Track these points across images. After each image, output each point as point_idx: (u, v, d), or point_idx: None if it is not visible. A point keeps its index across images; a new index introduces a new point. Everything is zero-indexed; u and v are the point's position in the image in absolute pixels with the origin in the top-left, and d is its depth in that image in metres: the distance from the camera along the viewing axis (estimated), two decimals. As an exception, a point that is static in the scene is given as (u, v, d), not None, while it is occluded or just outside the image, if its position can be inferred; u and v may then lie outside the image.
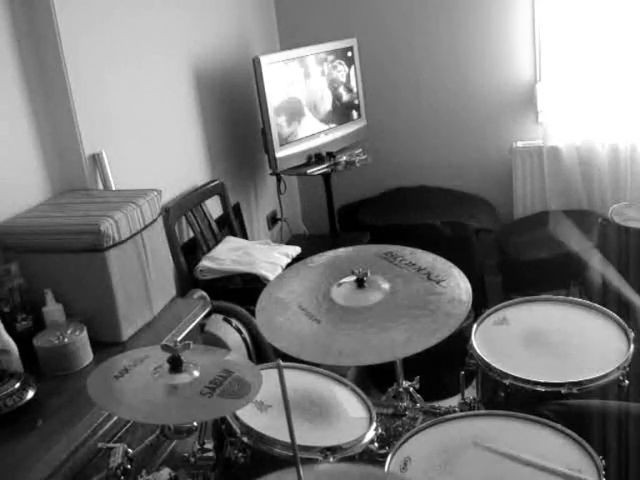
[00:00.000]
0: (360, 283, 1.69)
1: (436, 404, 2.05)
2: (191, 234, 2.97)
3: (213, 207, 3.10)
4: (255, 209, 3.63)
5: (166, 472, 1.56)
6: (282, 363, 1.13)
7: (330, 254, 1.92)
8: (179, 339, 1.98)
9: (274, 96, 3.12)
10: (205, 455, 1.58)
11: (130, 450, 1.52)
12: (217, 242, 3.00)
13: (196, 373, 1.39)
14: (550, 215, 3.53)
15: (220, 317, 2.58)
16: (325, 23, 3.77)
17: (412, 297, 1.67)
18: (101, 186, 2.40)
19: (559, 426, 1.51)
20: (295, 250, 2.98)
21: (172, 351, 1.39)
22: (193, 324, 2.17)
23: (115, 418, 1.68)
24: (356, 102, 3.58)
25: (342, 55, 3.47)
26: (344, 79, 3.51)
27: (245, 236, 3.33)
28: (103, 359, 1.53)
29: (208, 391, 1.34)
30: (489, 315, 2.02)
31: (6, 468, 1.53)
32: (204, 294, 2.60)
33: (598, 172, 3.54)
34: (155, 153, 2.76)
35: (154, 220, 2.18)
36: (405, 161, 3.89)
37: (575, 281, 3.31)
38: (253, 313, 2.14)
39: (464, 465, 1.44)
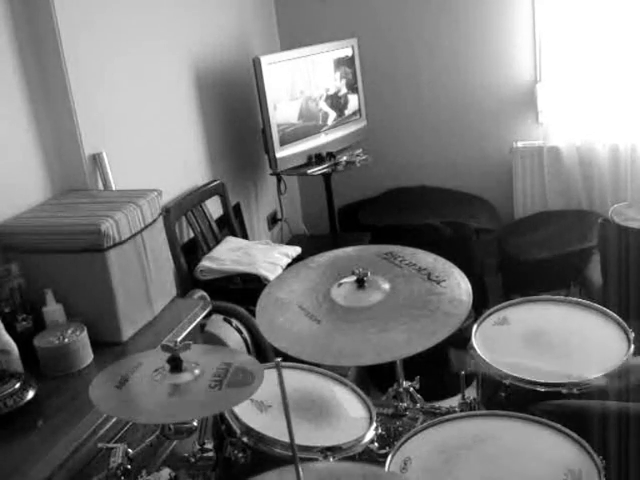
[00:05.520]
0: (360, 283, 1.69)
1: (436, 404, 2.05)
2: (191, 234, 2.97)
3: (213, 207, 3.10)
4: (255, 209, 3.63)
5: (166, 472, 1.56)
6: (282, 363, 1.13)
7: (330, 254, 1.92)
8: (179, 339, 1.98)
9: (274, 96, 3.12)
10: (205, 455, 1.58)
11: (130, 450, 1.52)
12: (217, 242, 3.00)
13: (197, 370, 1.39)
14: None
15: (220, 317, 2.58)
16: (325, 23, 3.76)
17: (412, 297, 1.67)
18: (101, 186, 2.40)
19: (559, 426, 1.51)
20: (295, 250, 2.98)
21: (172, 351, 1.38)
22: (193, 324, 2.17)
23: (115, 418, 1.68)
24: (356, 102, 3.58)
25: (342, 55, 3.47)
26: (344, 79, 3.51)
27: (245, 236, 3.33)
28: (103, 359, 1.53)
29: (216, 384, 1.35)
30: (489, 315, 2.02)
31: (6, 468, 1.53)
32: (204, 294, 2.60)
33: (598, 172, 3.54)
34: (155, 153, 2.76)
35: (154, 220, 2.18)
36: (405, 161, 3.89)
37: (575, 281, 3.31)
38: (253, 313, 2.14)
39: (464, 465, 1.44)
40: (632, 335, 1.83)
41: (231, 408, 1.58)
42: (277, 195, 3.64)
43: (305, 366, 1.81)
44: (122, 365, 1.47)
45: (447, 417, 1.60)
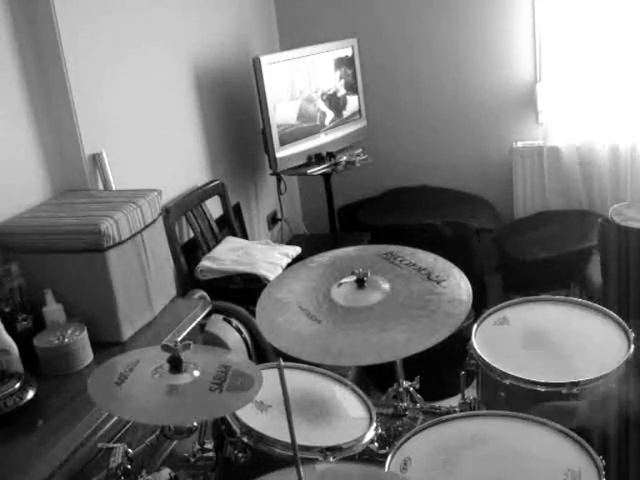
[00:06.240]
0: (360, 283, 1.69)
1: (436, 404, 2.05)
2: (191, 234, 2.97)
3: (213, 207, 3.10)
4: (255, 209, 3.63)
5: (166, 472, 1.56)
6: (283, 363, 1.13)
7: (330, 254, 1.92)
8: (179, 339, 1.98)
9: (274, 96, 3.12)
10: (205, 455, 1.59)
11: (130, 450, 1.52)
12: (217, 242, 3.00)
13: (196, 372, 1.39)
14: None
15: (220, 317, 2.58)
16: (325, 23, 3.77)
17: (412, 297, 1.67)
18: (101, 186, 2.40)
19: (559, 426, 1.51)
20: (295, 250, 2.98)
21: (172, 351, 1.38)
22: (193, 324, 2.17)
23: (115, 418, 1.68)
24: (356, 102, 3.58)
25: (342, 55, 3.47)
26: (344, 79, 3.51)
27: (245, 236, 3.33)
28: (103, 359, 1.53)
29: (217, 387, 1.34)
30: (489, 315, 2.02)
31: (6, 468, 1.53)
32: (204, 294, 2.60)
33: (598, 172, 3.54)
34: (155, 153, 2.76)
35: (154, 220, 2.18)
36: (405, 161, 3.89)
37: (575, 281, 3.32)
38: (253, 313, 2.14)
39: (464, 465, 1.44)
40: (632, 335, 1.83)
41: (232, 412, 1.57)
42: (277, 195, 3.64)
43: (305, 366, 1.81)
44: (120, 362, 1.47)
45: (447, 417, 1.60)
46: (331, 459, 1.51)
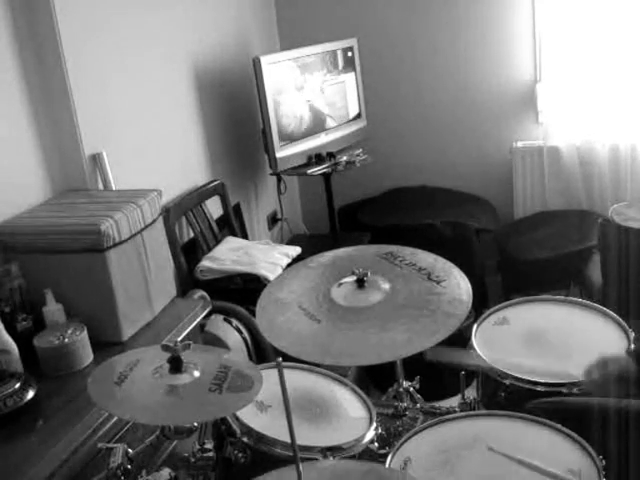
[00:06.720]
0: (360, 283, 1.69)
1: (436, 404, 2.05)
2: (191, 234, 2.97)
3: (213, 207, 3.10)
4: (255, 209, 3.63)
5: (166, 472, 1.56)
6: (282, 362, 1.13)
7: (330, 254, 1.92)
8: (179, 339, 1.98)
9: (274, 96, 3.12)
10: (205, 455, 1.58)
11: (130, 450, 1.52)
12: (217, 242, 3.00)
13: (196, 372, 1.39)
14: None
15: (220, 317, 2.58)
16: (325, 23, 3.76)
17: (412, 297, 1.67)
18: (101, 186, 2.40)
19: (559, 426, 1.51)
20: (295, 250, 2.98)
21: (172, 351, 1.38)
22: (193, 324, 2.17)
23: (115, 418, 1.68)
24: (356, 102, 3.58)
25: (342, 55, 3.47)
26: (344, 79, 3.51)
27: (245, 236, 3.33)
28: (103, 359, 1.53)
29: (216, 387, 1.34)
30: (489, 315, 2.02)
31: (6, 468, 1.53)
32: (204, 294, 2.60)
33: (598, 172, 3.54)
34: (155, 153, 2.76)
35: (154, 220, 2.18)
36: (405, 161, 3.89)
37: (575, 281, 3.32)
38: (253, 313, 2.14)
39: (464, 465, 1.44)
40: (632, 335, 1.83)
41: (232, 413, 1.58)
42: (277, 195, 3.64)
43: (305, 366, 1.81)
44: (120, 361, 1.47)
45: (447, 417, 1.60)
46: (331, 459, 1.51)
